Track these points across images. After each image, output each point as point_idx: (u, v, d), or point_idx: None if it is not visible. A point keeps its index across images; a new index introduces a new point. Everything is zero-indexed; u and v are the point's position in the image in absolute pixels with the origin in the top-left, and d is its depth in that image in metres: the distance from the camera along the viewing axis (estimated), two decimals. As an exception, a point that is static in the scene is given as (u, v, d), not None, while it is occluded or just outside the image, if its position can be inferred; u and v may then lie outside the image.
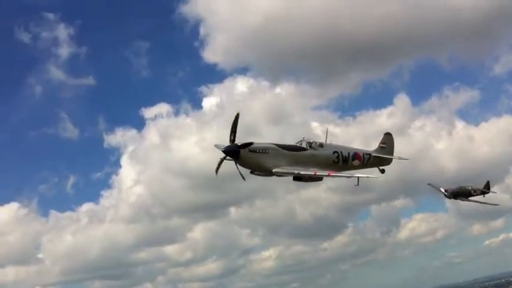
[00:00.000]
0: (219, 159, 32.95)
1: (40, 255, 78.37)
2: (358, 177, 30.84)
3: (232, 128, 31.61)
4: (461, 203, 57.06)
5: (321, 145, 35.70)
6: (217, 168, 33.14)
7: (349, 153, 36.95)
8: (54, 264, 75.84)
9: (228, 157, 32.32)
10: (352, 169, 37.05)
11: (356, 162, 37.36)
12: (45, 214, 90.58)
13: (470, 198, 55.62)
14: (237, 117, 31.40)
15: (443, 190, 55.92)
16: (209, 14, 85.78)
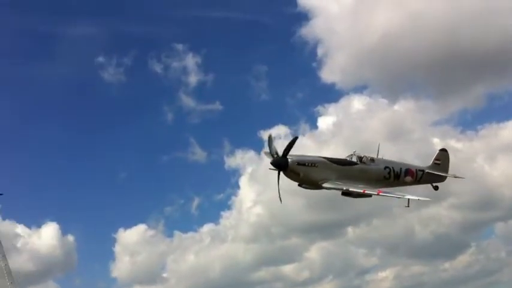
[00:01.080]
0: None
1: (165, 275, 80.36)
2: (408, 199, 29.82)
3: (287, 147, 31.03)
4: None
5: (372, 160, 34.85)
6: (278, 184, 32.36)
7: (401, 168, 35.92)
8: (178, 283, 77.50)
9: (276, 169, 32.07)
10: (404, 185, 36.04)
11: (408, 179, 36.28)
12: (170, 235, 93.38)
13: None
14: (294, 139, 31.05)
15: None
16: (327, 34, 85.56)
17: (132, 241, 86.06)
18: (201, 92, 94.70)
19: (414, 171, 36.85)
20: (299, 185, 33.31)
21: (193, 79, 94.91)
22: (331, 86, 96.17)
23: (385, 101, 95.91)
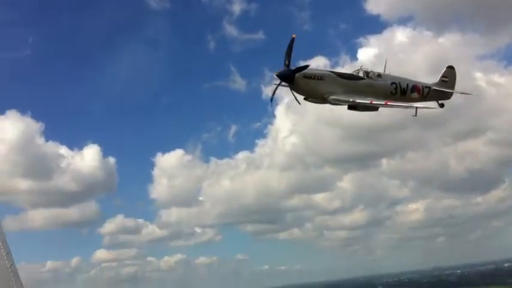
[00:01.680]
0: (275, 85, 32.55)
1: (201, 198, 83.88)
2: (416, 108, 29.90)
3: (287, 52, 30.95)
4: None
5: (379, 75, 34.67)
6: (273, 95, 32.79)
7: (407, 84, 35.78)
8: (213, 206, 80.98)
9: (283, 82, 31.91)
10: (411, 101, 35.90)
11: (415, 95, 36.20)
12: (206, 160, 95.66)
13: None
14: (292, 41, 30.69)
15: None
16: None
17: (170, 165, 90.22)
18: (244, 21, 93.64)
19: (421, 87, 36.73)
20: (305, 99, 33.29)
21: (237, 8, 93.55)
22: (375, 17, 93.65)
23: (429, 33, 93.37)
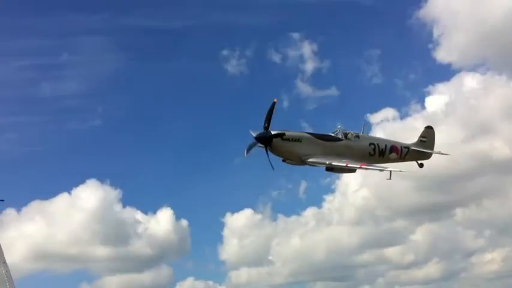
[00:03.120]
0: (251, 143, 32.46)
1: (270, 257, 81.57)
2: (390, 171, 29.99)
3: (267, 115, 31.20)
4: None
5: (357, 136, 34.86)
6: (248, 151, 32.59)
7: (386, 145, 36.00)
8: (283, 265, 78.67)
9: (260, 144, 32.00)
10: (389, 162, 36.07)
11: (393, 156, 36.37)
12: (275, 218, 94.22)
13: None
14: (273, 104, 30.98)
15: None
16: (445, 15, 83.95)
17: (239, 225, 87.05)
18: (317, 79, 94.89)
19: (399, 148, 36.95)
20: (283, 161, 33.30)
21: (309, 66, 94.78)
22: (446, 66, 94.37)
23: (502, 77, 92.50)
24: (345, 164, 31.23)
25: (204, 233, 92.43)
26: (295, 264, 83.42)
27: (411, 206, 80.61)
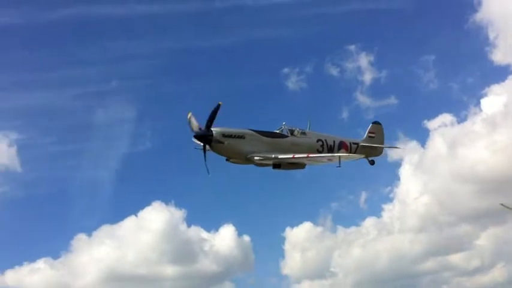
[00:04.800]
0: (202, 149, 30.08)
1: (332, 269, 78.14)
2: (339, 157, 28.40)
3: (209, 117, 29.06)
4: None
5: (304, 133, 33.31)
6: (205, 159, 30.06)
7: (334, 141, 34.53)
8: (346, 277, 75.63)
9: (201, 143, 29.79)
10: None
11: (342, 152, 34.86)
12: (334, 230, 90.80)
13: None
14: (217, 107, 28.97)
15: None
16: (500, 17, 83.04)
17: (300, 239, 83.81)
18: (376, 89, 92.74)
19: (348, 144, 35.59)
20: (227, 160, 31.22)
21: (368, 77, 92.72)
22: (504, 68, 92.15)
23: None
24: (291, 156, 29.38)
25: (266, 248, 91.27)
26: (358, 275, 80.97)
27: (475, 211, 78.35)
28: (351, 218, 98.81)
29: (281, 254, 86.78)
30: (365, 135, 37.85)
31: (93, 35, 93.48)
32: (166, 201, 76.54)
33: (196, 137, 29.56)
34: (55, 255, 77.68)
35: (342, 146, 35.06)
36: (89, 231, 75.24)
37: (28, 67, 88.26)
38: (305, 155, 29.49)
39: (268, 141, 31.29)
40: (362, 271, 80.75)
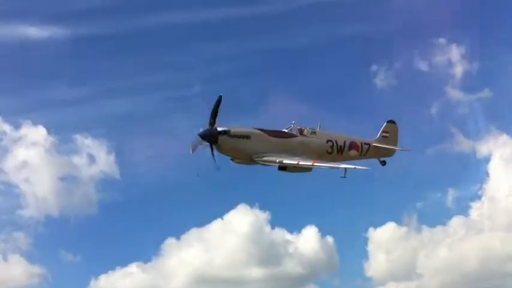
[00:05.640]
0: (195, 143, 29.33)
1: (418, 271, 77.69)
2: (345, 169, 27.31)
3: (212, 111, 28.15)
4: None
5: (314, 132, 32.14)
6: (193, 150, 29.42)
7: (345, 142, 33.33)
8: (433, 278, 75.45)
9: (205, 142, 28.90)
10: (349, 160, 33.49)
11: (353, 153, 33.75)
12: (420, 230, 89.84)
13: None
14: (218, 100, 27.97)
15: None
16: None
17: (384, 239, 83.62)
18: (468, 82, 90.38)
19: (359, 144, 34.38)
20: (231, 160, 30.34)
21: (458, 70, 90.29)
22: None
23: None
24: (296, 162, 28.41)
25: (349, 249, 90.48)
26: (445, 276, 79.41)
27: None
28: (436, 217, 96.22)
29: (365, 255, 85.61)
30: (378, 135, 36.51)
31: (177, 41, 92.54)
32: (251, 204, 77.65)
33: (201, 136, 28.60)
34: (146, 260, 78.96)
35: (353, 146, 33.89)
36: (178, 235, 76.79)
37: (116, 75, 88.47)
38: (310, 163, 28.43)
39: (275, 141, 30.27)
40: (449, 272, 78.69)
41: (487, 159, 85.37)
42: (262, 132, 29.98)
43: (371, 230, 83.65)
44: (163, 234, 78.26)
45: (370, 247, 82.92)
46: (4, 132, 74.96)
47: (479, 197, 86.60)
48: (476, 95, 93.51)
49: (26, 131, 74.42)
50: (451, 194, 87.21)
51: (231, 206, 78.74)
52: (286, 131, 31.42)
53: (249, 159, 29.61)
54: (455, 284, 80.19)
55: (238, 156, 29.88)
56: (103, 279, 73.64)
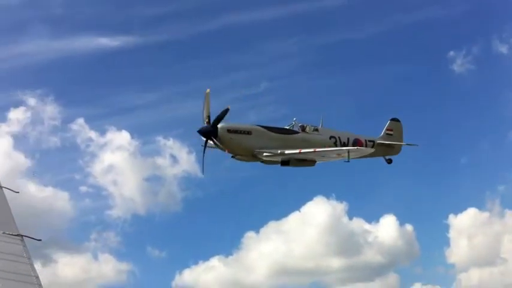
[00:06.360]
0: (202, 146, 29.20)
1: (503, 255, 78.52)
2: (348, 151, 26.84)
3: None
4: None
5: (316, 129, 31.90)
6: (203, 156, 29.11)
7: (348, 138, 32.94)
8: None
9: (206, 139, 28.66)
10: (353, 158, 33.08)
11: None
12: (503, 215, 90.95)
13: None
14: (225, 111, 27.96)
15: None
16: None
17: (465, 225, 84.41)
18: None
19: (363, 141, 33.91)
20: (232, 157, 30.01)
21: None
22: None
23: None
24: (298, 151, 27.99)
25: (430, 237, 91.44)
26: None
27: None
28: None
29: (446, 242, 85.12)
30: (382, 133, 36.04)
31: (244, 41, 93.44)
32: (328, 196, 79.10)
33: (200, 132, 28.41)
34: (227, 253, 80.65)
35: (357, 143, 33.39)
36: (257, 228, 78.13)
37: (188, 77, 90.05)
38: (312, 150, 28.05)
39: (277, 138, 30.04)
40: None
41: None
42: (263, 129, 29.80)
43: (451, 216, 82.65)
44: (243, 229, 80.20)
45: (452, 234, 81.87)
46: (90, 139, 78.90)
47: None
48: None
49: (111, 136, 77.14)
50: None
51: (308, 198, 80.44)
52: (287, 128, 31.18)
53: (250, 154, 29.33)
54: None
55: (239, 152, 29.58)
56: (187, 273, 76.45)
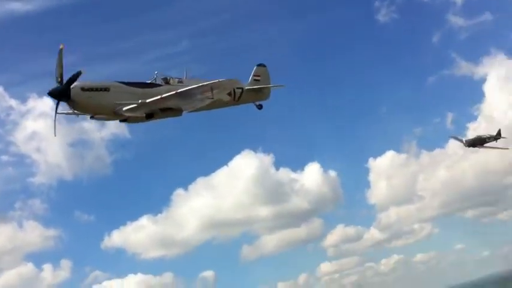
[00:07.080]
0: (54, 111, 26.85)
1: (419, 193, 76.10)
2: (211, 88, 26.44)
3: (57, 66, 25.72)
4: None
5: (181, 81, 30.74)
6: (54, 122, 26.87)
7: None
8: (433, 198, 73.84)
9: (58, 101, 26.39)
10: (222, 105, 32.61)
11: (225, 97, 32.69)
12: (419, 156, 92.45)
13: (485, 145, 60.97)
14: (60, 52, 25.61)
15: (463, 140, 62.24)
16: None
17: (384, 168, 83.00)
18: (469, 8, 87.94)
19: (232, 89, 33.28)
20: (91, 117, 28.09)
21: None
22: None
23: None
24: (159, 97, 26.82)
25: (352, 181, 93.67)
26: (444, 195, 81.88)
27: None
28: (435, 141, 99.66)
29: (367, 185, 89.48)
30: (250, 79, 35.80)
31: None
32: (255, 149, 79.67)
33: (51, 94, 26.01)
34: (156, 212, 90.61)
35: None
36: (185, 185, 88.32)
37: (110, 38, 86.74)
38: (173, 92, 27.02)
39: (139, 92, 28.59)
40: (448, 191, 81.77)
41: (483, 80, 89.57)
42: (122, 84, 28.11)
43: (371, 160, 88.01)
44: (172, 187, 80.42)
45: (372, 176, 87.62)
46: (11, 107, 68.88)
47: (475, 118, 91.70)
48: (477, 19, 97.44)
49: (32, 103, 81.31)
50: (450, 118, 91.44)
51: (236, 152, 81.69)
52: (150, 82, 29.71)
53: (111, 113, 27.57)
54: (455, 201, 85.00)
55: (98, 111, 27.72)
56: (116, 234, 74.17)
